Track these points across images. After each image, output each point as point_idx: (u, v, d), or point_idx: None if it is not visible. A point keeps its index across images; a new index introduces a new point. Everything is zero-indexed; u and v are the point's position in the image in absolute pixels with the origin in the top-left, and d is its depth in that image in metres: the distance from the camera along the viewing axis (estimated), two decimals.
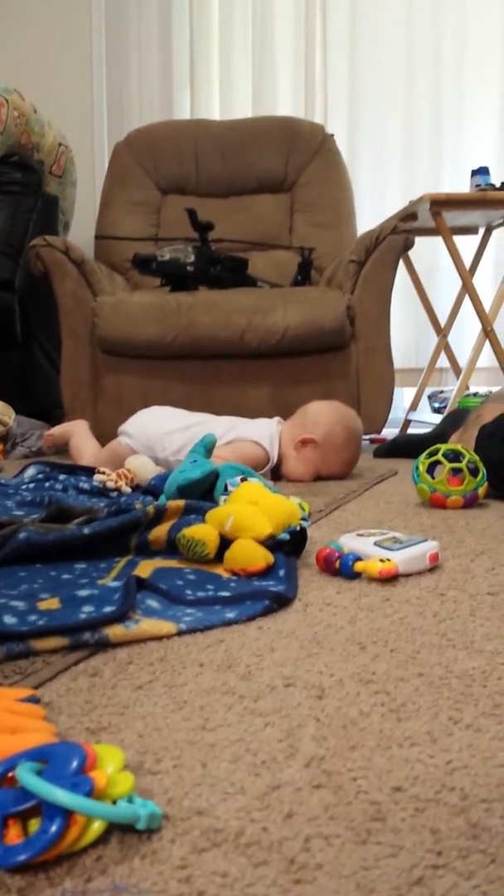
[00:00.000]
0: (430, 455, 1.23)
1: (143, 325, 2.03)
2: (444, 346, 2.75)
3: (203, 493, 1.02)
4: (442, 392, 3.02)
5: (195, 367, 2.07)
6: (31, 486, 1.25)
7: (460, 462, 1.20)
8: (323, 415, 1.58)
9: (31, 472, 1.34)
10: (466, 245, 2.58)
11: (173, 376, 2.07)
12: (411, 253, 2.36)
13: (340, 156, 2.66)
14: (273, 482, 1.26)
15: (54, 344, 2.27)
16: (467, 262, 2.50)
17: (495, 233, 2.73)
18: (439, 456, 1.21)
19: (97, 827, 0.35)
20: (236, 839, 0.35)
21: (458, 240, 2.37)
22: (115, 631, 0.60)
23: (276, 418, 1.63)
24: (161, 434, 1.57)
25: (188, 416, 1.64)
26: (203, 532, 0.83)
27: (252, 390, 2.06)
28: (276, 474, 1.57)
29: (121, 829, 0.36)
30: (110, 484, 1.24)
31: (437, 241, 2.46)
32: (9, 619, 0.61)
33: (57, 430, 1.87)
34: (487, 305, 2.42)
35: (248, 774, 0.41)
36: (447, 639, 0.62)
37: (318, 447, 1.54)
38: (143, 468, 1.38)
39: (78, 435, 1.78)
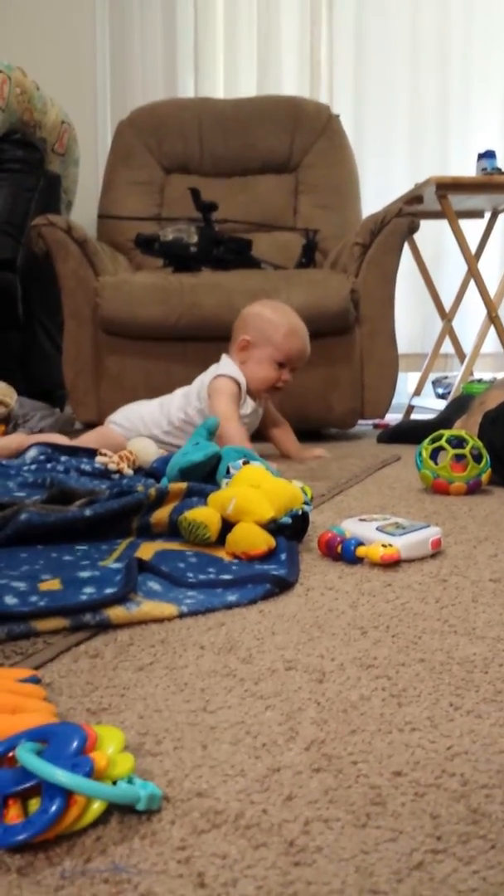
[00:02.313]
0: (434, 441, 1.22)
1: (145, 305, 2.02)
2: (448, 332, 2.73)
3: (205, 475, 1.02)
4: (446, 378, 3.01)
5: (198, 348, 2.06)
6: (33, 467, 1.24)
7: (464, 448, 1.20)
8: (245, 316, 1.60)
9: (32, 453, 1.34)
10: (472, 229, 2.55)
11: (176, 358, 2.06)
12: (416, 236, 2.34)
13: (346, 137, 2.63)
14: (267, 464, 1.25)
15: (56, 324, 2.25)
16: (473, 247, 2.47)
17: (501, 217, 2.70)
18: (443, 442, 1.21)
19: (97, 807, 0.35)
20: (236, 821, 0.35)
21: (464, 224, 2.34)
22: (116, 612, 0.60)
23: (222, 355, 1.63)
24: (141, 413, 1.60)
25: (160, 398, 1.66)
26: (205, 515, 0.83)
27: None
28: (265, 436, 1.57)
29: (121, 810, 0.36)
30: (112, 466, 1.24)
31: (443, 225, 2.44)
32: (10, 600, 0.61)
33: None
34: (493, 290, 2.40)
35: (249, 757, 0.41)
36: (449, 625, 0.62)
37: (255, 342, 1.56)
38: (145, 451, 1.37)
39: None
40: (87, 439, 1.58)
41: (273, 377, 1.56)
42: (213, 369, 1.59)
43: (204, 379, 1.58)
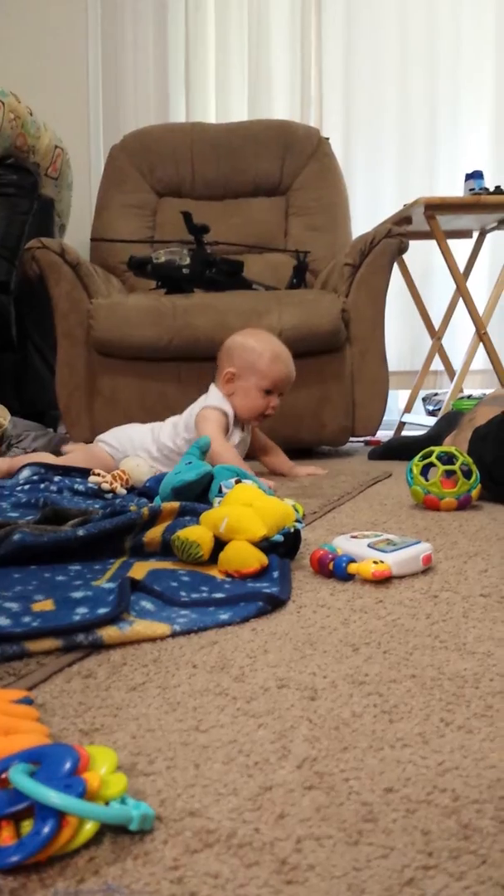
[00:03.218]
0: (424, 457, 1.23)
1: (138, 327, 2.03)
2: (438, 349, 2.76)
3: (198, 494, 1.02)
4: (436, 395, 3.03)
5: (191, 369, 2.07)
6: (26, 487, 1.24)
7: (454, 464, 1.21)
8: (228, 347, 1.61)
9: (25, 473, 1.34)
10: (460, 248, 2.59)
11: (169, 378, 2.08)
12: (406, 256, 2.37)
13: (335, 159, 2.67)
14: (263, 479, 1.26)
15: (50, 346, 2.26)
16: (461, 266, 2.51)
17: (489, 236, 2.74)
18: (433, 458, 1.22)
19: (90, 828, 0.35)
20: (228, 840, 0.35)
21: (453, 243, 2.38)
22: (109, 632, 0.61)
23: (210, 385, 1.64)
24: (131, 435, 1.61)
25: (152, 423, 1.67)
26: (197, 534, 0.83)
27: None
28: (256, 455, 1.58)
29: (113, 831, 0.36)
30: (105, 486, 1.24)
31: (432, 245, 2.47)
32: (3, 621, 0.61)
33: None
34: (481, 308, 2.43)
35: (241, 775, 0.41)
36: (440, 640, 0.62)
37: (240, 373, 1.56)
38: (138, 470, 1.38)
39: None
40: (74, 458, 1.57)
41: (261, 405, 1.57)
42: (202, 400, 1.60)
43: (193, 410, 1.58)
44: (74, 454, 1.63)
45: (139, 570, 0.80)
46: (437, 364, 2.80)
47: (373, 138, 3.09)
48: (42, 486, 1.25)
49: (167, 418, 1.65)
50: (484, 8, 3.05)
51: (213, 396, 1.59)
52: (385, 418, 2.18)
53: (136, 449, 1.57)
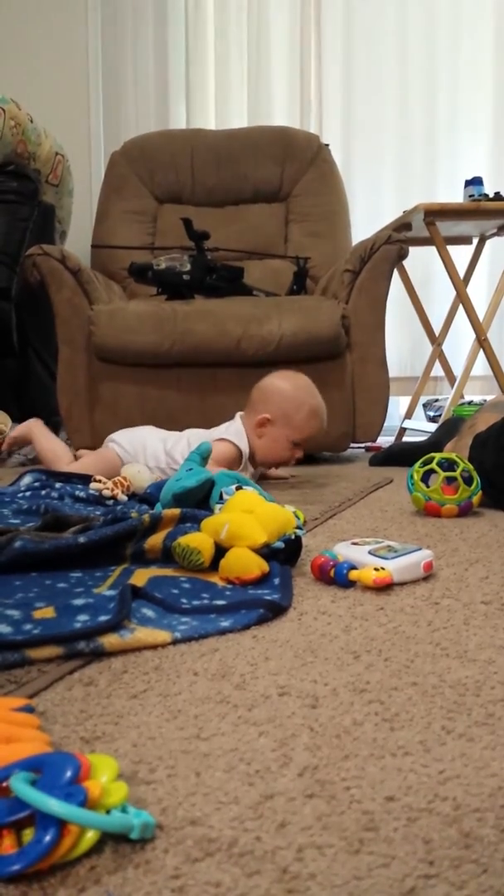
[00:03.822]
0: (425, 464, 1.23)
1: (139, 333, 2.04)
2: (438, 355, 2.76)
3: (198, 501, 1.02)
4: (437, 401, 3.03)
5: (191, 375, 2.08)
6: (28, 494, 1.25)
7: (454, 471, 1.21)
8: (265, 390, 1.57)
9: (27, 480, 1.35)
10: (460, 255, 2.60)
11: (170, 384, 2.08)
12: (406, 262, 2.38)
13: (335, 166, 2.68)
14: (262, 484, 1.26)
15: (51, 352, 2.27)
16: (461, 272, 2.52)
17: (489, 242, 2.75)
18: (434, 465, 1.22)
19: (91, 837, 0.35)
20: (229, 849, 0.35)
21: (452, 250, 2.38)
22: (110, 640, 0.61)
23: (238, 413, 1.62)
24: (145, 442, 1.59)
25: (167, 433, 1.66)
26: (198, 540, 0.83)
27: (248, 399, 2.07)
28: (264, 475, 1.57)
29: (114, 839, 0.36)
30: (106, 492, 1.24)
31: (432, 251, 2.48)
32: (4, 628, 0.61)
33: (18, 431, 1.80)
34: (481, 314, 2.43)
35: (242, 784, 0.41)
36: (441, 648, 0.62)
37: (275, 421, 1.54)
38: (139, 476, 1.38)
39: (40, 437, 1.73)
40: (86, 462, 1.58)
41: (286, 456, 1.55)
42: (224, 428, 1.57)
43: (212, 434, 1.56)
44: (86, 458, 1.62)
45: (140, 577, 0.80)
46: (437, 370, 2.80)
47: (372, 144, 3.10)
48: (43, 492, 1.25)
49: (184, 430, 1.63)
50: (483, 14, 3.07)
51: (235, 430, 1.56)
52: (386, 424, 2.19)
53: (146, 457, 1.55)
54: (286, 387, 1.56)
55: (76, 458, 1.67)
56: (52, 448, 1.69)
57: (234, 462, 1.50)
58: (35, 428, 1.75)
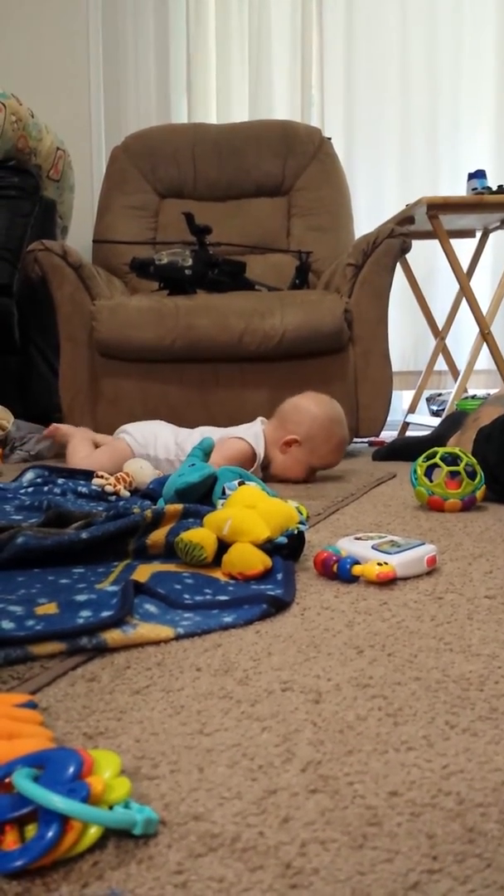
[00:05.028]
0: (428, 458, 1.23)
1: (141, 328, 2.03)
2: (442, 349, 2.75)
3: (201, 496, 1.02)
4: (440, 395, 3.03)
5: (194, 370, 2.08)
6: (30, 490, 1.25)
7: (458, 465, 1.21)
8: (301, 412, 1.58)
9: (29, 476, 1.35)
10: (463, 248, 2.59)
11: (172, 379, 2.08)
12: (409, 256, 2.37)
13: (338, 159, 2.67)
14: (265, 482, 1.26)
15: (52, 348, 2.27)
16: (464, 266, 2.51)
17: (492, 236, 2.74)
18: (437, 459, 1.22)
19: (94, 832, 0.35)
20: (233, 844, 0.35)
21: (456, 243, 2.37)
22: (112, 636, 0.61)
23: (260, 418, 1.64)
24: (156, 433, 1.61)
25: (179, 428, 1.68)
26: (201, 536, 0.83)
27: (250, 393, 2.06)
28: (267, 475, 1.58)
29: (117, 835, 0.36)
30: (109, 488, 1.24)
31: (435, 245, 2.47)
32: (6, 624, 0.61)
33: (64, 427, 1.85)
34: (485, 308, 2.42)
35: (245, 779, 0.41)
36: (444, 642, 0.62)
37: (303, 445, 1.56)
38: (142, 472, 1.38)
39: (78, 439, 1.76)
40: (100, 458, 1.58)
41: (301, 478, 1.58)
42: (243, 429, 1.59)
43: (229, 432, 1.57)
44: (100, 454, 1.63)
45: (143, 572, 0.80)
46: (440, 364, 2.79)
47: (375, 138, 3.09)
48: (46, 488, 1.25)
49: (196, 427, 1.64)
50: (485, 7, 3.05)
51: (254, 434, 1.57)
52: (389, 419, 2.18)
53: (157, 449, 1.58)
54: (320, 415, 1.58)
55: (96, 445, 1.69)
56: (75, 446, 1.70)
57: (246, 462, 1.51)
58: (79, 433, 1.78)
